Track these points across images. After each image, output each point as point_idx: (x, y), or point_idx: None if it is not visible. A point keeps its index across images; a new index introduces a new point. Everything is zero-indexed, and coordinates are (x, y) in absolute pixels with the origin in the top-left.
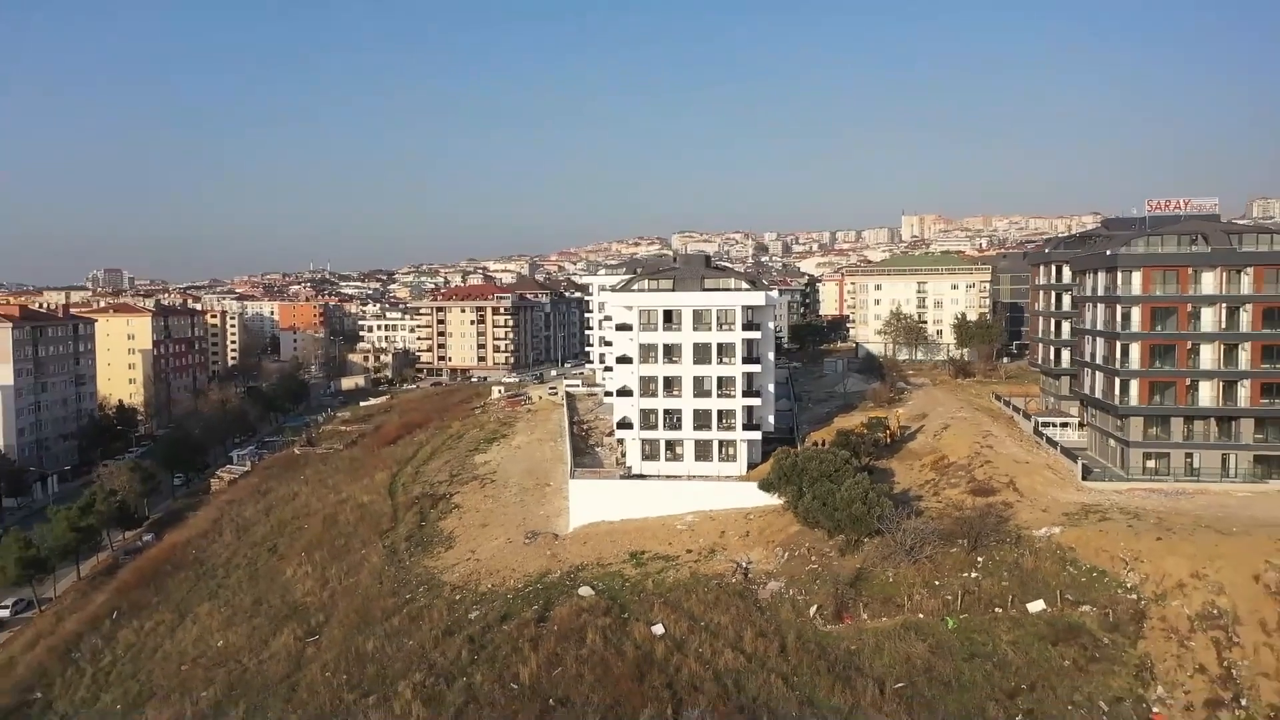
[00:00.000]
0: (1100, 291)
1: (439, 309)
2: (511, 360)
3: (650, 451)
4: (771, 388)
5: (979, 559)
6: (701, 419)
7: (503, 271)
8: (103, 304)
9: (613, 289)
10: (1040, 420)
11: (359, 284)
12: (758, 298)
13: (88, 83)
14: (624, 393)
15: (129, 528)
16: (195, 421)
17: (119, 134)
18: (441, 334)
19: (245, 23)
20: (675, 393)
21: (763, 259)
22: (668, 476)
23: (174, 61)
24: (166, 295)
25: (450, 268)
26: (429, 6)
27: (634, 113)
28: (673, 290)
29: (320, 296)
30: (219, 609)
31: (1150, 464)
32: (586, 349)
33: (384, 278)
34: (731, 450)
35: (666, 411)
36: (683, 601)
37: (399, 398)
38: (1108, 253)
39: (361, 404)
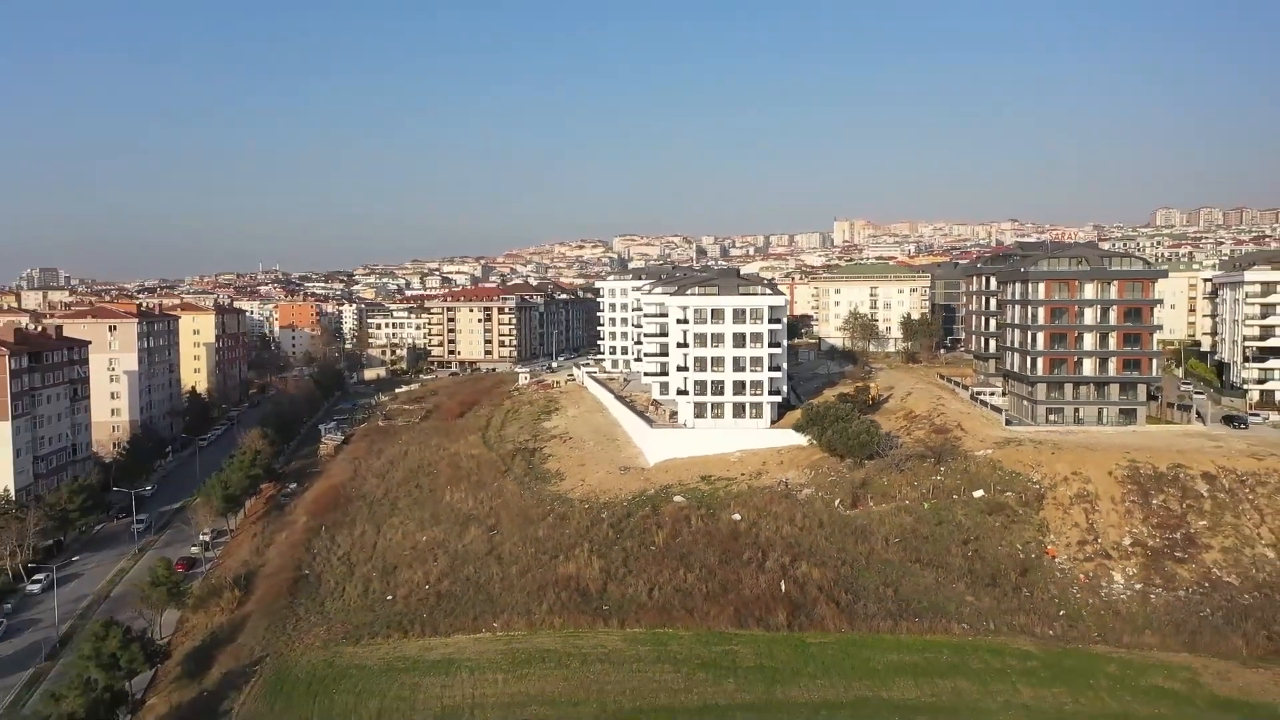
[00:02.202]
0: (1017, 296)
1: (449, 308)
2: (514, 354)
3: (699, 411)
4: (785, 366)
5: (941, 468)
6: (738, 388)
7: (456, 273)
8: (175, 303)
9: (646, 292)
10: (974, 390)
11: (324, 284)
12: (777, 300)
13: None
14: (663, 372)
15: (269, 480)
16: (279, 402)
17: (51, 130)
18: (451, 330)
19: (185, 14)
20: (720, 369)
21: (707, 263)
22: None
23: (111, 56)
24: (125, 296)
25: (405, 269)
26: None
27: (574, 119)
28: (718, 294)
29: (292, 297)
30: (406, 521)
31: (1051, 416)
32: (598, 341)
33: (345, 279)
34: (759, 410)
35: (714, 382)
36: (747, 501)
37: (430, 385)
38: (1022, 270)
39: (398, 390)
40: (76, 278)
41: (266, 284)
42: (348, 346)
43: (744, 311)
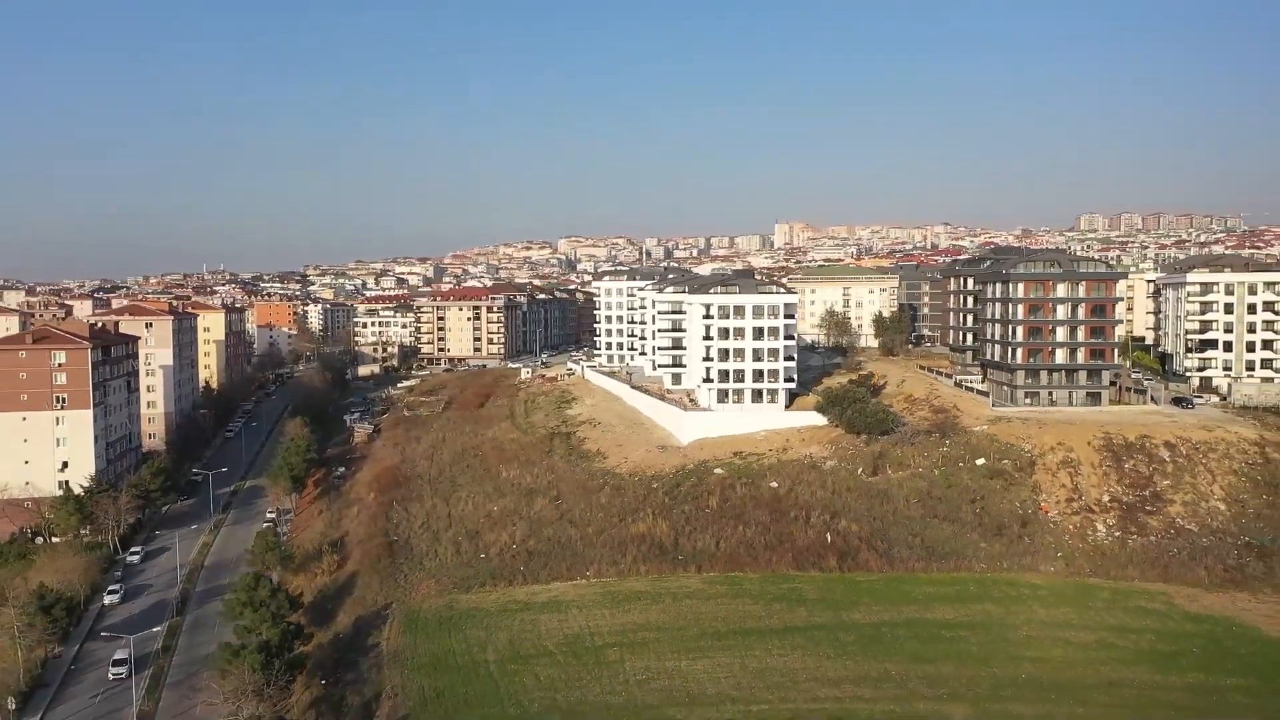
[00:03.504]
0: (998, 295)
1: (439, 307)
2: (502, 351)
3: (721, 397)
4: (796, 357)
5: (946, 442)
6: (757, 376)
7: (409, 274)
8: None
9: (659, 291)
10: (957, 378)
11: (280, 285)
12: (791, 298)
13: None
14: (676, 364)
15: (316, 466)
16: (297, 395)
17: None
18: (442, 328)
19: (123, 11)
20: (741, 359)
21: (652, 264)
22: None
23: (48, 51)
24: (73, 297)
25: (351, 269)
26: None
27: (514, 122)
28: (740, 293)
29: (252, 297)
30: (474, 495)
31: (1027, 400)
32: (594, 338)
33: (300, 279)
34: (775, 395)
35: (735, 371)
36: (780, 472)
37: (432, 380)
38: (1004, 271)
39: (400, 385)
40: (15, 280)
41: (220, 285)
42: (341, 347)
43: (762, 308)
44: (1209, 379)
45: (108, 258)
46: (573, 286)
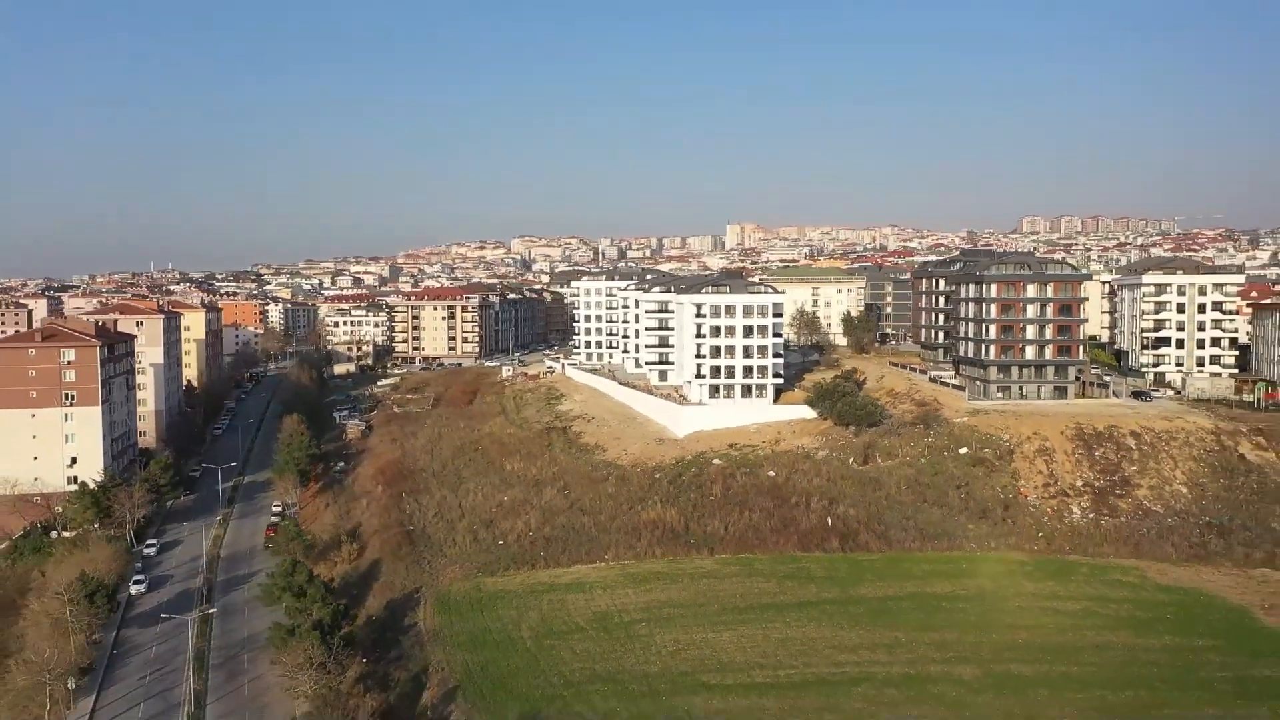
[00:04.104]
0: (972, 295)
1: (414, 307)
2: (476, 349)
3: (713, 392)
4: (783, 354)
5: (930, 433)
6: (746, 372)
7: (364, 273)
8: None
9: (644, 292)
10: (931, 373)
11: (235, 284)
12: (779, 298)
13: None
14: (662, 361)
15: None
16: (284, 390)
17: None
18: (416, 327)
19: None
20: (732, 356)
21: (604, 265)
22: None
23: None
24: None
25: (312, 269)
26: None
27: (463, 121)
28: (730, 293)
29: (211, 296)
30: (482, 486)
31: (1000, 394)
32: (573, 337)
33: (255, 279)
34: (764, 390)
35: (726, 367)
36: (776, 462)
37: (412, 379)
38: (977, 273)
39: (381, 383)
40: None
41: (174, 285)
42: (308, 346)
43: (752, 307)
44: (1163, 374)
45: (47, 257)
46: (539, 286)
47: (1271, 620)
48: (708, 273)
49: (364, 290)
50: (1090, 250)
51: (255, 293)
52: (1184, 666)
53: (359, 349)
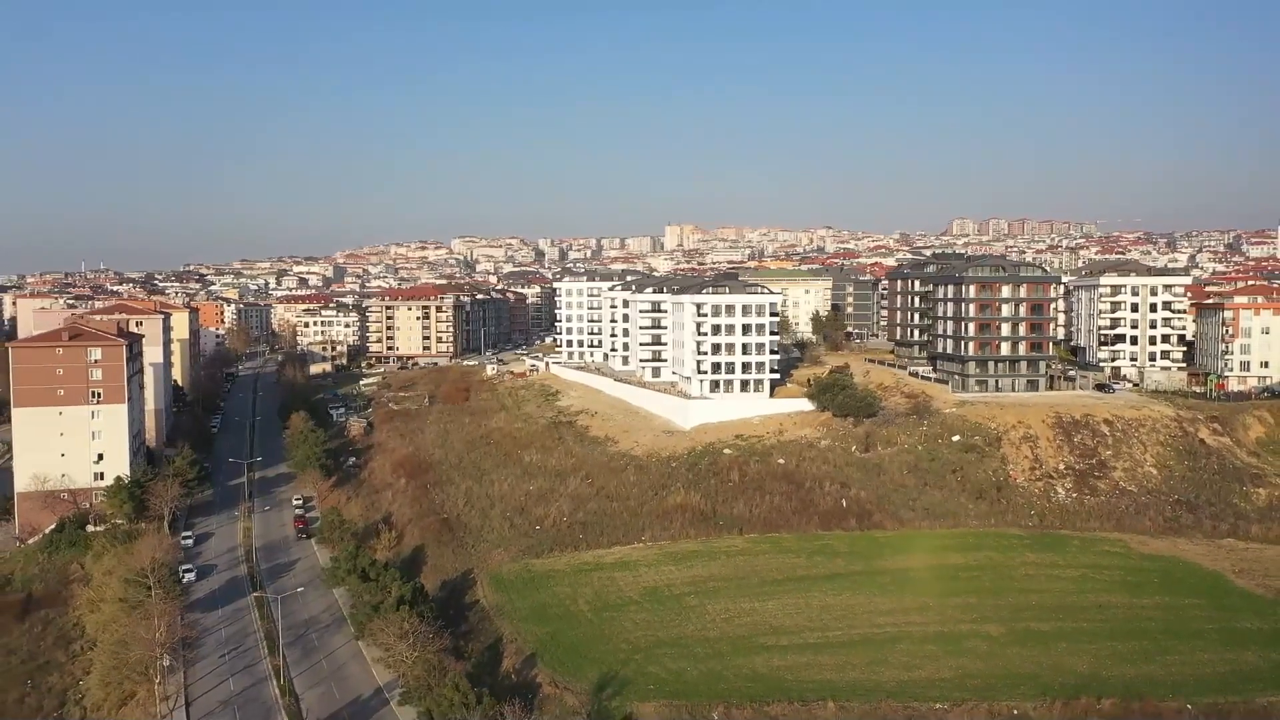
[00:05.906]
0: (951, 295)
1: (388, 306)
2: (450, 349)
3: (714, 387)
4: (779, 351)
5: (924, 422)
6: (745, 368)
7: (308, 273)
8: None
9: (632, 292)
10: (911, 368)
11: (179, 285)
12: (775, 298)
13: None
14: (656, 359)
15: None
16: (272, 389)
17: None
18: (390, 327)
19: None
20: (731, 353)
21: (543, 266)
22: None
23: None
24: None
25: (250, 269)
26: None
27: (400, 121)
28: (729, 294)
29: (159, 297)
30: (504, 477)
31: (977, 387)
32: (555, 336)
33: (199, 279)
34: (761, 385)
35: (726, 364)
36: (783, 450)
37: (394, 377)
38: (956, 275)
39: (363, 382)
40: None
41: (116, 285)
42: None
43: (750, 307)
44: (1118, 368)
45: None
46: (500, 287)
47: (1242, 582)
48: (699, 273)
49: (311, 291)
50: (1025, 253)
51: (200, 293)
52: (1176, 620)
53: (333, 349)
